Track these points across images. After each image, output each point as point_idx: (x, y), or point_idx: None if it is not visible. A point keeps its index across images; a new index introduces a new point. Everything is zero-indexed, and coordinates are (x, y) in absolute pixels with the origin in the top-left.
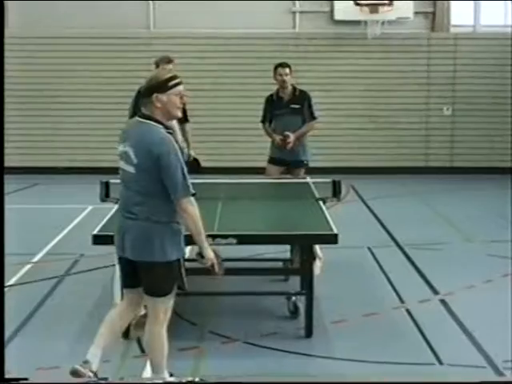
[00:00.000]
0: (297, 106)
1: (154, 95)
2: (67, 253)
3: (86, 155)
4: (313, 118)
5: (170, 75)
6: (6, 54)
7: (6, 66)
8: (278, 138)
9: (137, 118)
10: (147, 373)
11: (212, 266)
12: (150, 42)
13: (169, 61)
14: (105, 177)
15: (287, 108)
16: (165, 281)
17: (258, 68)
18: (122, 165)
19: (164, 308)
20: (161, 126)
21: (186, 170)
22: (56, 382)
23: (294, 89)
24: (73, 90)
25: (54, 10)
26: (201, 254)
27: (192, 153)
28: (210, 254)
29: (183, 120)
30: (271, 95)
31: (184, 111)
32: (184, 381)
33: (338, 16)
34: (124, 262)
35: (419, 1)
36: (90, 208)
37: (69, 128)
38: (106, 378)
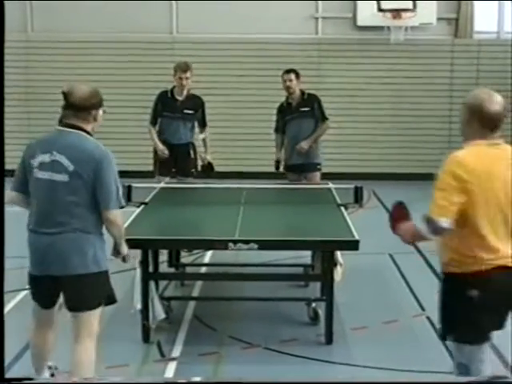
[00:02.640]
0: (307, 109)
1: (99, 110)
2: None
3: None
4: (324, 118)
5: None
6: (27, 57)
7: (28, 70)
8: (276, 157)
9: (60, 128)
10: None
11: (124, 258)
12: (172, 46)
13: (186, 68)
14: (126, 180)
15: (297, 112)
16: (98, 292)
17: (280, 73)
18: (45, 175)
19: (96, 322)
20: (91, 137)
21: (119, 182)
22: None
23: (303, 93)
24: None
25: (76, 14)
26: (117, 250)
27: (208, 157)
28: (125, 250)
29: (202, 125)
30: (281, 104)
31: (203, 116)
32: (183, 381)
33: (360, 22)
34: (42, 282)
35: (442, 7)
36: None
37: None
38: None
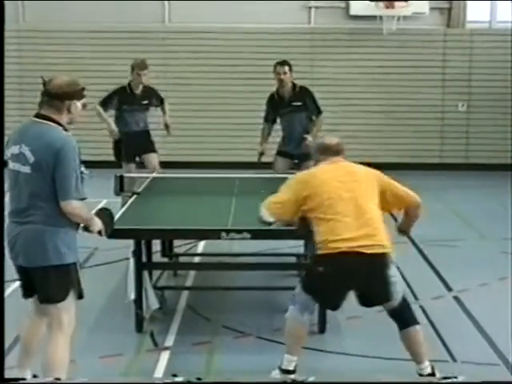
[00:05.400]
0: (299, 103)
1: (73, 101)
2: (82, 246)
3: (100, 149)
4: (319, 112)
5: (82, 85)
6: (19, 47)
7: (18, 60)
8: (260, 149)
9: (33, 119)
10: (160, 368)
11: (100, 231)
12: (165, 36)
13: (144, 67)
14: (119, 170)
15: (289, 106)
16: (61, 285)
17: (273, 63)
18: (15, 167)
19: (67, 316)
20: (61, 128)
21: (79, 175)
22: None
23: (294, 86)
24: (85, 84)
25: (68, 4)
26: (87, 228)
27: (167, 120)
28: (97, 224)
29: (159, 104)
30: (272, 94)
31: (158, 98)
32: (180, 380)
33: (353, 11)
34: (18, 271)
35: None
36: (104, 202)
37: (83, 122)
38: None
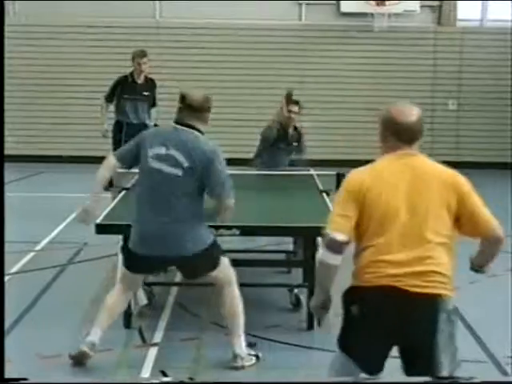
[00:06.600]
0: (296, 144)
1: (209, 113)
2: (70, 241)
3: (91, 144)
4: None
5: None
6: (13, 41)
7: (12, 54)
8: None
9: (175, 125)
10: (149, 363)
11: None
12: (156, 31)
13: (143, 55)
14: None
15: (291, 146)
16: (214, 255)
17: (264, 59)
18: (159, 166)
19: (230, 270)
20: (203, 135)
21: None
22: (57, 376)
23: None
24: (78, 79)
25: None
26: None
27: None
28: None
29: (152, 105)
30: (272, 132)
31: (153, 97)
32: (180, 381)
33: (344, 8)
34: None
35: None
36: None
37: (74, 117)
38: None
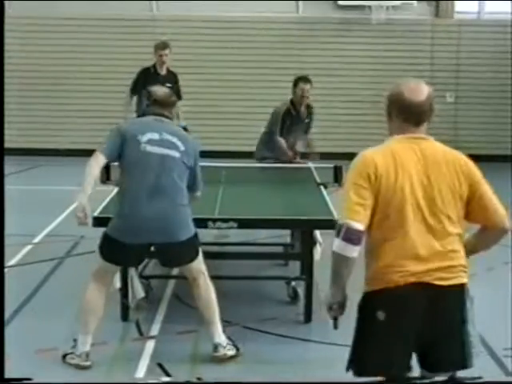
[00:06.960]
0: (308, 121)
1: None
2: (68, 234)
3: (89, 137)
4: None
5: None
6: (9, 34)
7: (9, 47)
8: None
9: (155, 117)
10: (146, 356)
11: None
12: (152, 24)
13: (165, 46)
14: None
15: (302, 123)
16: (195, 246)
17: (261, 52)
18: (155, 150)
19: (202, 264)
20: None
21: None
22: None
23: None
24: (75, 72)
25: None
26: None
27: (183, 123)
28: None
29: (178, 97)
30: (288, 110)
31: (178, 90)
32: (181, 381)
33: (342, 1)
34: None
35: None
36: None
37: (72, 110)
38: None
